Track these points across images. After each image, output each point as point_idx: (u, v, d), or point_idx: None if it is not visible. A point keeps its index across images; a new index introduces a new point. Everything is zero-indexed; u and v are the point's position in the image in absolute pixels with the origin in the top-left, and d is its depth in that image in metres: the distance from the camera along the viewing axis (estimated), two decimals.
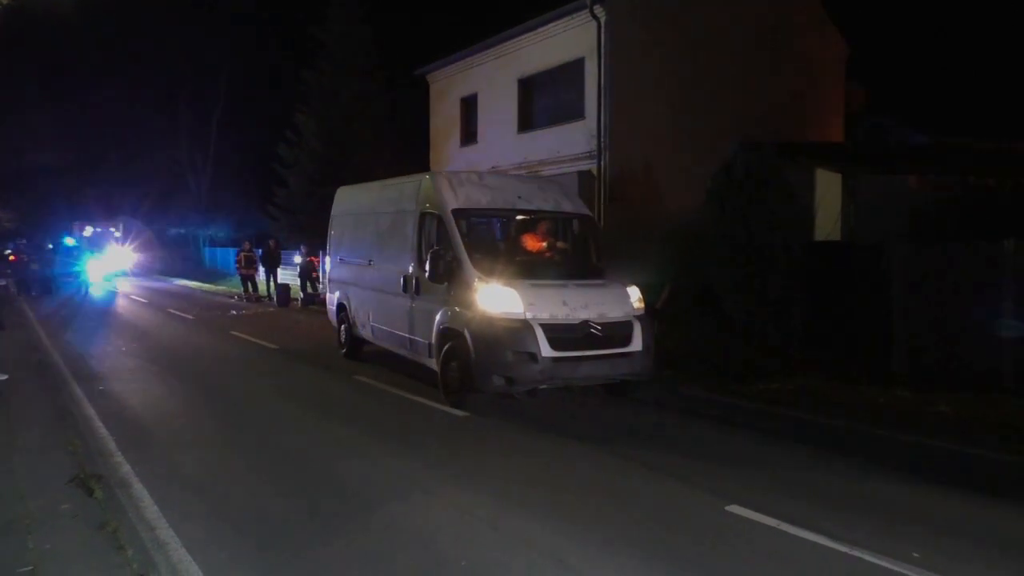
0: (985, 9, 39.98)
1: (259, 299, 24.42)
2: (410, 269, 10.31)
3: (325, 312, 20.52)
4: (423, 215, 10.17)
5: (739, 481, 6.57)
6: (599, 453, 7.43)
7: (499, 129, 22.30)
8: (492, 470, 6.89)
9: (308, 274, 23.20)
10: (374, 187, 12.67)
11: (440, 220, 9.70)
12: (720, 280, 12.10)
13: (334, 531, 5.39)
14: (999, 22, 39.14)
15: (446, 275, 9.22)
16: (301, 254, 23.83)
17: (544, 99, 21.09)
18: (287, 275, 26.05)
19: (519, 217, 10.23)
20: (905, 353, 10.72)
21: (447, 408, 9.13)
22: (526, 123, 21.46)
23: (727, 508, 5.86)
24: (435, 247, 9.52)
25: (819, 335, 11.68)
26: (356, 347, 12.61)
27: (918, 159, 17.65)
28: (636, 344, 8.96)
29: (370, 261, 11.81)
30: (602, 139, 18.43)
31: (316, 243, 25.43)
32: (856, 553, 5.06)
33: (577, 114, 19.17)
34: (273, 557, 4.98)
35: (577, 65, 19.14)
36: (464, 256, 9.15)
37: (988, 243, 10.16)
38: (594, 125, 18.61)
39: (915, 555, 5.05)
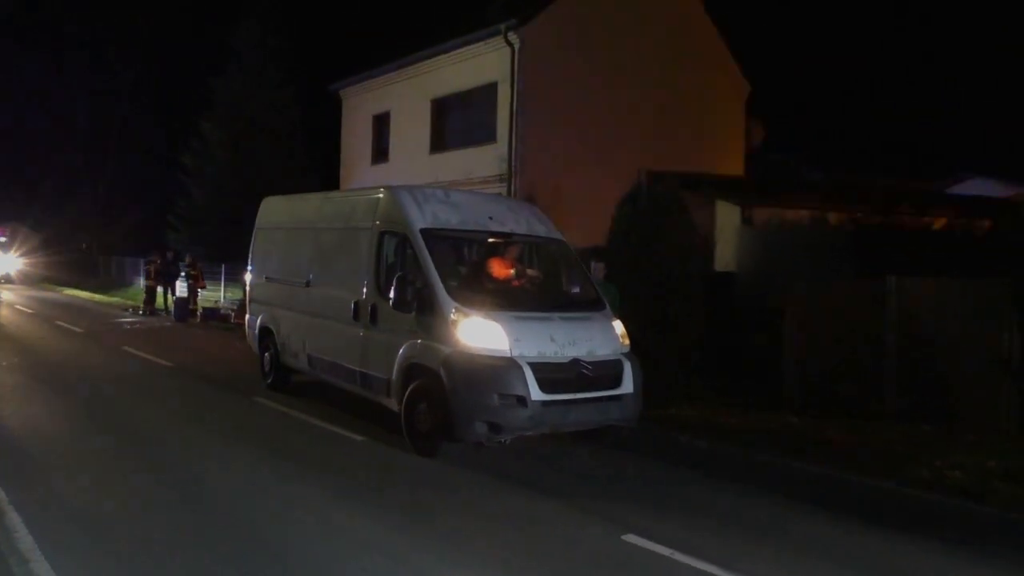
0: (879, 54, 42.50)
1: (154, 312, 23.51)
2: (364, 294, 9.16)
3: (226, 328, 20.00)
4: (383, 234, 9.08)
5: (634, 510, 6.67)
6: (485, 480, 7.44)
7: (411, 148, 22.27)
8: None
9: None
10: (313, 199, 11.69)
11: (406, 241, 8.65)
12: (625, 307, 12.36)
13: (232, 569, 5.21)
14: (893, 67, 41.68)
15: (414, 303, 8.21)
16: (185, 266, 23.19)
17: (457, 121, 21.22)
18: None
19: (490, 240, 9.34)
20: (795, 381, 11.18)
21: (353, 435, 8.92)
22: (439, 144, 21.51)
23: (623, 537, 5.94)
24: (401, 271, 8.45)
25: (716, 362, 12.06)
26: (283, 377, 11.27)
27: (812, 194, 18.52)
28: (627, 386, 8.21)
29: (308, 282, 10.53)
30: (513, 163, 18.65)
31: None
32: None
33: (489, 137, 19.35)
34: None
35: (490, 89, 19.34)
36: (437, 283, 8.09)
37: (872, 279, 10.75)
38: (505, 149, 18.82)
39: None
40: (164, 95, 41.49)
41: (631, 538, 5.92)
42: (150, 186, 39.48)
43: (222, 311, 22.42)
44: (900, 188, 23.23)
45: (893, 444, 9.10)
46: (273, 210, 12.29)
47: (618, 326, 8.66)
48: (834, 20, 43.85)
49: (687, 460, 8.71)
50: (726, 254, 15.69)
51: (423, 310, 8.14)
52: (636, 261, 12.15)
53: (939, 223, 18.56)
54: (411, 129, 22.34)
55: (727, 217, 16.42)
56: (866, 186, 22.08)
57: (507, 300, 8.39)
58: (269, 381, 11.46)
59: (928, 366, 10.14)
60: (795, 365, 11.21)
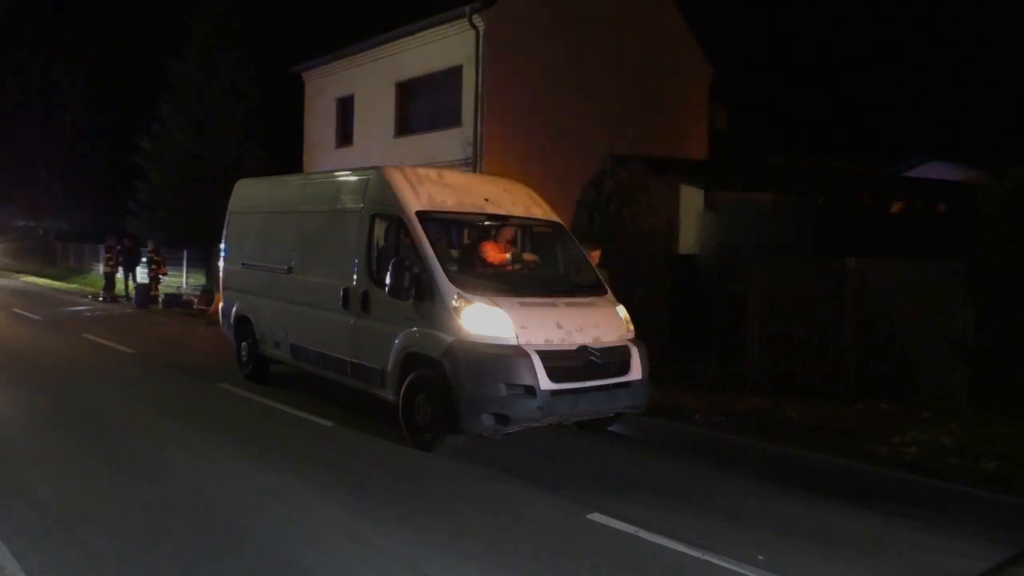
0: (839, 39, 43.06)
1: (114, 299, 23.16)
2: (354, 280, 8.75)
3: (189, 314, 19.78)
4: (375, 217, 8.69)
5: (601, 489, 6.78)
6: (457, 461, 7.46)
7: (376, 132, 22.09)
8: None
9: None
10: (293, 181, 11.24)
11: (400, 224, 8.26)
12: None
13: (200, 557, 5.20)
14: (853, 52, 42.30)
15: (411, 290, 7.83)
16: (147, 251, 22.97)
17: (422, 104, 21.09)
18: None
19: (487, 223, 9.05)
20: (757, 362, 11.37)
21: (326, 422, 8.90)
22: (403, 127, 21.37)
23: (589, 516, 6.03)
24: (396, 256, 8.03)
25: (681, 344, 12.23)
26: (262, 367, 10.82)
27: (775, 178, 18.78)
28: (635, 372, 8.00)
29: (290, 268, 10.04)
30: (478, 147, 18.60)
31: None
32: (707, 558, 5.33)
33: (454, 121, 19.26)
34: None
35: (455, 72, 19.23)
36: (437, 268, 7.74)
37: (833, 260, 10.96)
38: (471, 132, 18.75)
39: (760, 558, 5.38)
40: (122, 77, 40.58)
41: (597, 517, 6.01)
42: (108, 170, 38.69)
43: (184, 297, 22.19)
44: (860, 172, 23.62)
45: (852, 422, 9.35)
46: (249, 193, 11.73)
47: (622, 311, 8.45)
48: (795, 5, 44.36)
49: (654, 441, 8.85)
50: (689, 237, 15.87)
51: (421, 297, 7.78)
52: (601, 244, 12.26)
53: (898, 206, 18.95)
54: (376, 112, 22.16)
55: (691, 200, 16.59)
56: (827, 170, 22.42)
57: (510, 285, 8.08)
58: (247, 371, 11.00)
59: (886, 346, 10.40)
60: (757, 346, 11.40)
